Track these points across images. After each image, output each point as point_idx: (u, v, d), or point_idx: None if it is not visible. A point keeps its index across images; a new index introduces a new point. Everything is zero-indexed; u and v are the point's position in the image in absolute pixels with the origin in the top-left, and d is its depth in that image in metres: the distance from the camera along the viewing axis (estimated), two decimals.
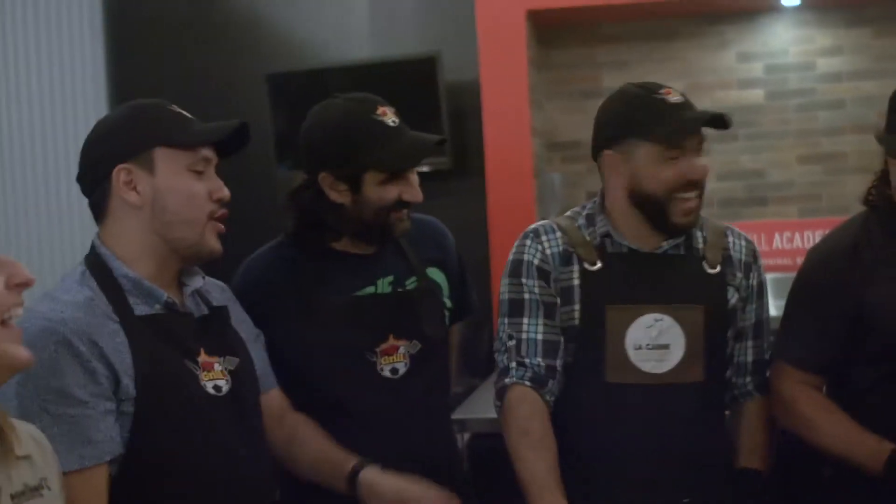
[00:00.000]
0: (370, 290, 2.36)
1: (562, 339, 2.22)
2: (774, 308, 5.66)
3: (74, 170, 1.97)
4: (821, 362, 2.32)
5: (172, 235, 1.91)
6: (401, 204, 2.29)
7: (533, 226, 2.33)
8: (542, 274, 2.23)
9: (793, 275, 2.44)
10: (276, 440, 2.17)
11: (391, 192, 2.27)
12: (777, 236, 5.75)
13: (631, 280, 2.20)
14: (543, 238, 2.27)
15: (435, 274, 2.46)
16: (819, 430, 2.27)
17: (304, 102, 4.97)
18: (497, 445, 3.41)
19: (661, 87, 2.20)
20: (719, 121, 2.20)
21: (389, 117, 2.27)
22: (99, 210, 1.94)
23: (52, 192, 5.13)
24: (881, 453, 2.13)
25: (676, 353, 2.18)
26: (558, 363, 2.21)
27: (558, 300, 2.23)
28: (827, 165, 5.85)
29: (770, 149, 5.85)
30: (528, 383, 2.16)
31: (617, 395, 2.18)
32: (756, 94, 5.85)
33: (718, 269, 2.26)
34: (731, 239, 2.33)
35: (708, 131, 2.23)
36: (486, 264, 4.86)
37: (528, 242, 2.28)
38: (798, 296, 2.36)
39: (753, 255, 2.35)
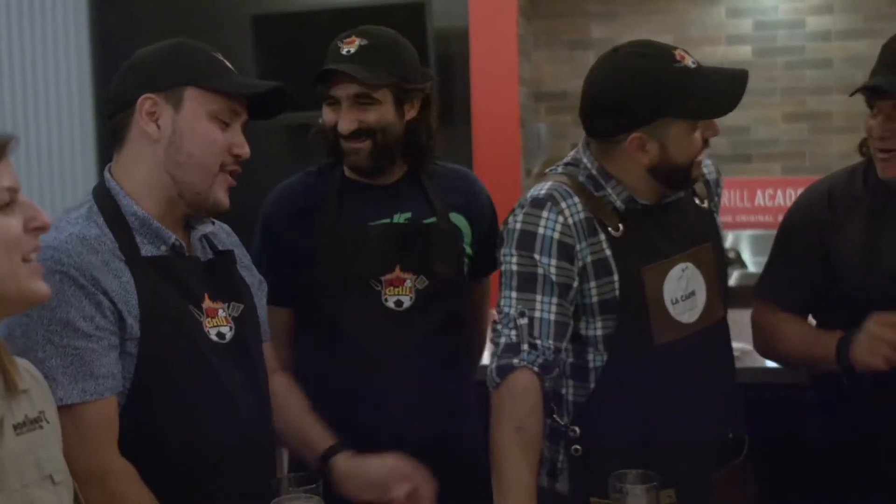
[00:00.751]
0: (385, 221, 2.39)
1: (572, 321, 2.08)
2: (754, 265, 5.71)
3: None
4: (793, 300, 2.38)
5: (182, 178, 1.88)
6: (349, 134, 2.33)
7: (542, 191, 2.09)
8: (563, 249, 2.04)
9: (774, 232, 2.49)
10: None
11: (329, 116, 2.35)
12: (759, 193, 5.77)
13: (653, 236, 2.12)
14: (563, 205, 2.06)
15: (457, 219, 2.45)
16: (783, 339, 2.39)
17: (288, 45, 4.96)
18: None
19: (671, 52, 2.03)
20: (742, 86, 2.08)
21: (349, 46, 2.32)
22: (117, 137, 1.91)
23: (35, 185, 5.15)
24: (833, 338, 2.22)
25: (701, 298, 2.15)
26: (564, 346, 2.08)
27: (588, 276, 2.07)
28: (812, 124, 5.86)
29: (756, 106, 5.85)
30: (536, 369, 1.99)
31: (666, 356, 2.10)
32: (744, 51, 5.84)
33: (707, 203, 2.25)
34: (703, 162, 2.26)
35: None
36: None
37: (545, 214, 2.05)
38: (778, 237, 2.44)
39: (717, 170, 2.34)
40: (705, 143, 2.08)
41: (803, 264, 2.35)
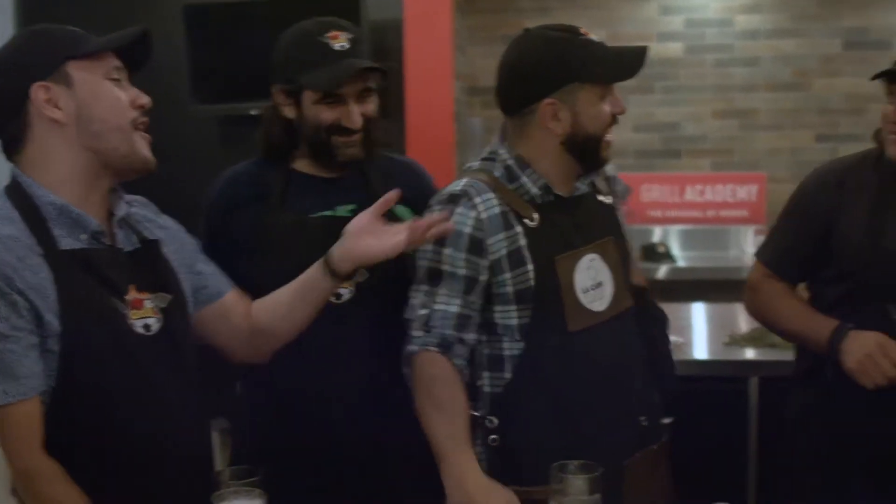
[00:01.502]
0: (326, 213, 2.37)
1: (476, 314, 2.17)
2: (684, 259, 5.79)
3: None
4: (788, 269, 2.58)
5: (104, 146, 1.86)
6: (341, 129, 2.31)
7: (458, 186, 2.18)
8: (474, 244, 2.13)
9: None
10: (246, 335, 2.16)
11: (327, 114, 2.30)
12: (689, 188, 5.85)
13: (566, 228, 2.21)
14: (477, 200, 2.15)
15: (403, 212, 2.44)
16: (776, 311, 2.57)
17: (221, 36, 4.89)
18: None
19: (578, 28, 2.20)
20: (643, 55, 2.23)
21: (339, 41, 2.30)
22: (15, 141, 1.88)
23: None
24: (827, 329, 2.39)
25: (608, 288, 2.23)
26: (467, 337, 2.17)
27: (503, 267, 2.15)
28: (740, 121, 5.95)
29: (686, 102, 5.93)
30: (433, 348, 2.12)
31: (580, 342, 2.19)
32: (675, 48, 5.91)
33: (610, 199, 2.35)
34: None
35: (627, 82, 2.26)
36: None
37: (459, 209, 2.14)
38: (786, 206, 2.60)
39: (613, 167, 2.45)
40: (613, 118, 2.19)
41: (805, 241, 2.51)
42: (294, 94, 2.33)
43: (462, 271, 2.13)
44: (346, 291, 2.33)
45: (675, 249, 5.72)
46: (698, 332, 3.89)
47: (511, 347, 2.19)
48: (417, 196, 2.42)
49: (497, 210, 2.15)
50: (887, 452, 2.39)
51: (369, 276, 2.34)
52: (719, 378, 3.34)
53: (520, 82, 2.18)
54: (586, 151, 2.19)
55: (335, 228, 2.23)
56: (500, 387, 2.20)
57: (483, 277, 2.15)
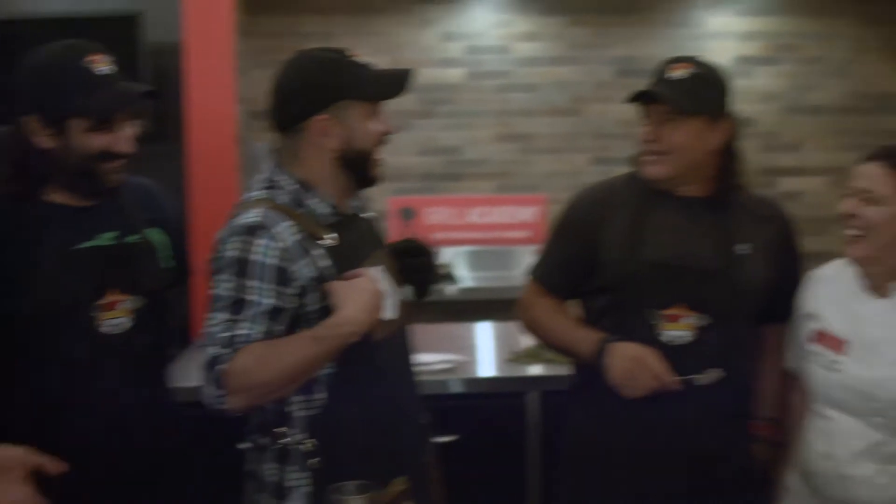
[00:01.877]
0: (91, 243, 2.29)
1: None
2: (471, 280, 5.89)
3: None
4: (557, 284, 2.68)
5: None
6: (110, 155, 2.25)
7: (252, 217, 2.14)
8: (281, 274, 2.11)
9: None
10: None
11: (98, 141, 2.23)
12: (472, 210, 5.97)
13: (354, 243, 2.27)
14: (276, 230, 2.13)
15: (154, 234, 2.41)
16: (546, 327, 2.68)
17: None
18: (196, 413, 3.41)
19: (346, 50, 2.25)
20: (407, 76, 2.28)
21: (100, 65, 2.25)
22: None
23: None
24: (591, 342, 2.49)
25: (394, 297, 2.29)
26: None
27: (308, 290, 2.15)
28: (520, 145, 6.13)
29: (468, 127, 6.06)
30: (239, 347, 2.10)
31: (383, 351, 2.26)
32: (456, 74, 6.03)
33: (370, 213, 2.43)
34: None
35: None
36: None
37: (260, 241, 2.11)
38: (554, 226, 2.72)
39: None
40: (382, 137, 2.26)
41: (572, 257, 2.63)
42: (57, 123, 2.23)
43: (267, 300, 2.11)
44: (124, 321, 2.29)
45: (462, 270, 5.82)
46: (484, 350, 3.98)
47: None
48: (164, 216, 2.43)
49: (298, 237, 2.15)
50: (651, 461, 2.51)
51: (146, 302, 2.30)
52: (501, 394, 3.43)
53: (293, 100, 2.21)
54: (359, 168, 2.24)
55: (104, 258, 2.18)
56: (314, 409, 2.20)
57: (290, 306, 2.14)
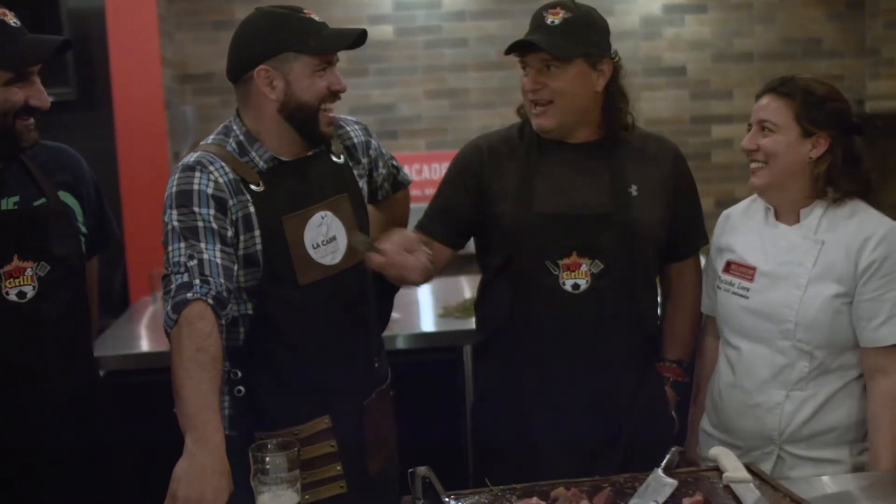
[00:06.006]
0: None
1: (235, 266, 2.22)
2: None
3: None
4: (445, 235, 2.65)
5: None
6: (29, 110, 2.21)
7: (191, 159, 2.25)
8: (219, 202, 2.20)
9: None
10: None
11: (18, 95, 2.19)
12: (406, 168, 5.95)
13: (294, 189, 2.30)
14: (211, 168, 2.22)
15: (66, 198, 2.37)
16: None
17: None
18: (133, 381, 3.40)
19: (301, 8, 2.31)
20: (363, 36, 2.32)
21: (10, 18, 2.20)
22: None
23: None
24: None
25: (342, 242, 2.34)
26: (231, 288, 2.19)
27: (239, 229, 2.23)
28: (452, 100, 6.12)
29: (399, 84, 6.04)
30: (210, 301, 2.08)
31: (311, 294, 2.29)
32: (386, 30, 6.00)
33: (343, 158, 2.43)
34: (346, 129, 2.51)
35: (341, 65, 2.34)
36: (118, 200, 4.71)
37: (197, 174, 2.21)
38: (440, 184, 2.71)
39: (366, 131, 2.57)
40: (334, 95, 2.30)
41: (459, 203, 2.62)
42: None
43: (214, 225, 2.18)
44: (28, 288, 2.25)
45: None
46: (423, 306, 4.00)
47: (240, 307, 2.29)
48: (78, 180, 2.40)
49: (230, 176, 2.24)
50: (555, 411, 2.53)
51: (50, 268, 2.27)
52: (437, 349, 3.47)
53: (240, 51, 2.29)
54: (302, 121, 2.28)
55: (6, 224, 2.15)
56: (237, 341, 2.29)
57: (230, 233, 2.22)
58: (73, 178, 2.40)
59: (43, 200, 2.31)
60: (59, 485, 2.28)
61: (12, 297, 2.23)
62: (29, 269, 2.25)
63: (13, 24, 2.19)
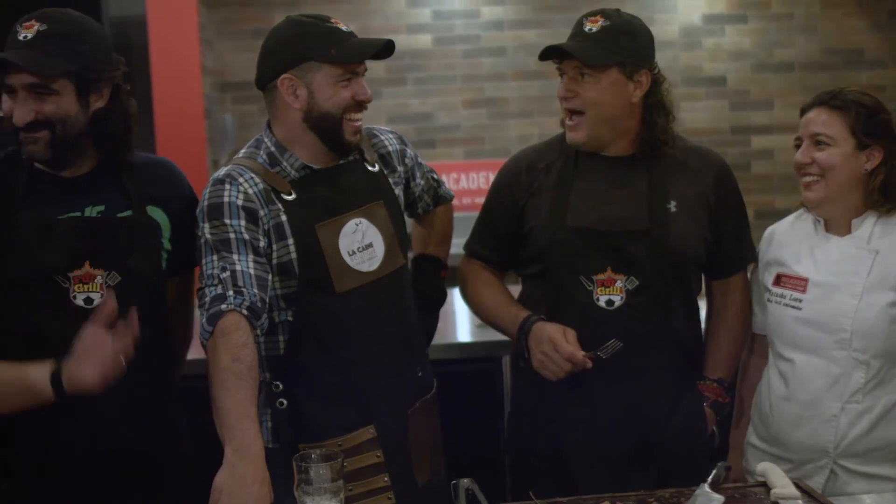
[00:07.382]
0: (75, 214, 2.26)
1: (269, 275, 2.22)
2: None
3: None
4: (495, 259, 2.66)
5: None
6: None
7: (221, 172, 2.26)
8: (249, 213, 2.20)
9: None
10: None
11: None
12: (445, 177, 5.97)
13: (327, 197, 2.29)
14: (241, 180, 2.22)
15: (154, 212, 2.36)
16: (480, 301, 2.67)
17: None
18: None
19: (329, 17, 2.31)
20: (389, 47, 2.32)
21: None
22: None
23: None
24: (516, 322, 2.49)
25: (379, 249, 2.33)
26: (267, 298, 2.20)
27: (272, 239, 2.23)
28: (490, 109, 6.12)
29: (438, 93, 6.05)
30: (245, 312, 2.09)
31: (348, 302, 2.27)
32: (424, 40, 6.01)
33: (377, 167, 2.43)
34: (380, 137, 2.50)
35: (379, 74, 2.33)
36: None
37: (227, 186, 2.22)
38: (485, 203, 2.68)
39: (401, 140, 2.56)
40: (359, 105, 2.28)
41: (502, 225, 2.60)
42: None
43: (246, 236, 2.19)
44: (97, 295, 2.25)
45: None
46: (461, 315, 3.98)
47: (279, 315, 2.27)
48: (171, 196, 2.37)
49: (261, 187, 2.23)
50: (593, 427, 2.48)
51: (121, 279, 2.27)
52: (475, 359, 3.45)
53: (265, 58, 2.29)
54: (326, 130, 2.26)
55: (85, 230, 2.15)
56: (278, 350, 2.27)
57: (263, 244, 2.21)
58: (167, 194, 2.37)
59: (129, 212, 2.32)
60: (114, 487, 2.28)
61: (79, 301, 2.24)
62: (99, 277, 2.26)
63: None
